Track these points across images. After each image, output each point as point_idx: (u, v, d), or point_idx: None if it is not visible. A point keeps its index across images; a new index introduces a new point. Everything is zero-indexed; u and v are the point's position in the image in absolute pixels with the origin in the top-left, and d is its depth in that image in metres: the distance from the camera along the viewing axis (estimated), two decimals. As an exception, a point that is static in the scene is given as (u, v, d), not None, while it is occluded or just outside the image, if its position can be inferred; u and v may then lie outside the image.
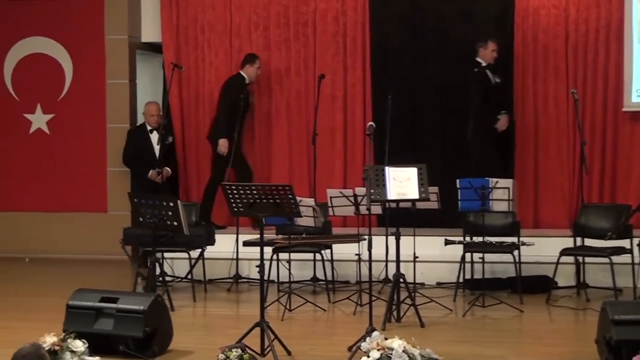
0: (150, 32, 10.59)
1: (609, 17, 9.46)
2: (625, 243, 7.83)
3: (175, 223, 7.35)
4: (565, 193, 9.50)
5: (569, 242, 8.22)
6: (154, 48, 10.80)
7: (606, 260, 7.78)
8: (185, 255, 8.50)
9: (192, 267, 8.51)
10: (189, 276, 8.54)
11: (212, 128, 9.82)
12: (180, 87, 10.29)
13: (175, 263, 9.13)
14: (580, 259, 8.25)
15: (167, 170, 9.66)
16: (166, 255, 8.83)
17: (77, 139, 10.63)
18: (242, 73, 9.74)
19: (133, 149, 9.87)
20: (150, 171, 9.62)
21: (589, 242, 8.13)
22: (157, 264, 7.70)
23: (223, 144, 9.52)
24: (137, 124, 10.28)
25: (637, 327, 5.39)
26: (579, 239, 8.21)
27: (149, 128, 9.73)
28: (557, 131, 9.53)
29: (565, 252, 8.01)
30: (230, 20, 10.23)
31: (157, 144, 9.43)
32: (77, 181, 10.60)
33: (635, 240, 7.61)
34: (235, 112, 9.47)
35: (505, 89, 9.42)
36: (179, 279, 8.93)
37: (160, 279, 7.99)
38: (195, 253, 8.56)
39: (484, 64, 9.20)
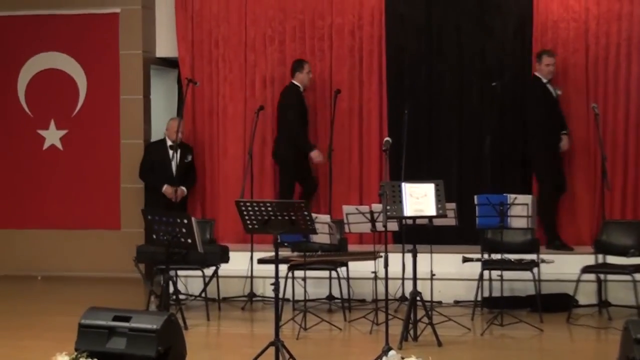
0: (165, 47, 10.67)
1: (630, 30, 9.46)
2: (648, 260, 7.81)
3: (190, 240, 7.38)
4: (586, 209, 9.46)
5: (590, 260, 8.20)
6: (169, 63, 10.88)
7: (629, 277, 7.76)
8: (199, 273, 8.51)
9: (206, 285, 8.53)
10: (203, 294, 8.56)
11: (277, 145, 9.79)
12: (193, 102, 10.33)
13: (189, 281, 9.14)
14: (601, 276, 8.22)
15: (182, 189, 9.70)
16: (180, 273, 8.85)
17: (91, 155, 10.69)
18: (295, 82, 9.76)
19: (150, 162, 9.92)
20: (165, 185, 9.65)
21: (611, 259, 8.12)
22: (170, 282, 7.73)
23: (317, 155, 9.55)
24: (157, 139, 10.30)
25: (660, 347, 5.35)
26: (600, 257, 8.19)
27: (169, 143, 9.77)
28: (577, 146, 9.49)
29: (586, 269, 7.98)
30: (245, 34, 10.28)
31: (174, 161, 9.51)
32: (90, 198, 10.65)
33: (659, 258, 7.57)
34: (302, 121, 9.58)
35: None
36: (193, 297, 8.94)
37: (174, 297, 8.01)
38: (209, 271, 8.57)
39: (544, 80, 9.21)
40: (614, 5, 9.48)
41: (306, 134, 9.70)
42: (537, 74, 9.22)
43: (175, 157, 9.53)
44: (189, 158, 9.92)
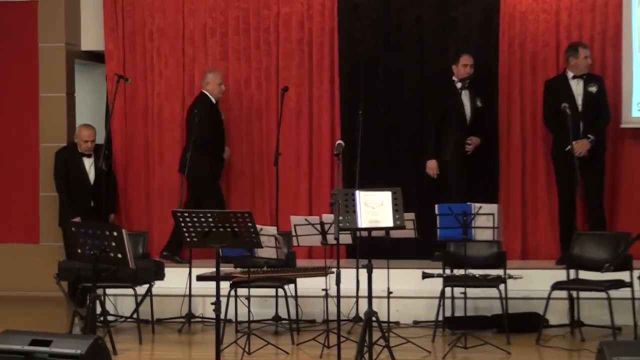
0: (91, 39, 10.58)
1: (605, 23, 9.62)
2: (624, 276, 7.90)
3: (120, 255, 7.32)
4: (556, 220, 9.59)
5: (561, 275, 8.29)
6: (96, 57, 10.79)
7: (603, 295, 7.84)
8: (130, 291, 8.46)
9: (138, 305, 8.48)
10: (135, 315, 8.50)
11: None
12: (125, 101, 10.28)
13: (119, 300, 9.10)
14: (574, 293, 8.31)
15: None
16: (108, 291, 8.79)
17: (5, 160, 10.51)
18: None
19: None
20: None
21: (584, 274, 8.20)
22: (97, 302, 7.67)
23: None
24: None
25: (637, 370, 5.45)
26: (572, 272, 8.28)
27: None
28: (547, 150, 9.62)
29: (557, 286, 8.07)
30: (183, 25, 10.26)
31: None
32: (3, 208, 10.48)
33: (636, 273, 7.69)
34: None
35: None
36: (123, 319, 8.89)
37: (101, 318, 7.96)
38: (142, 289, 8.53)
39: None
40: (588, -5, 9.67)
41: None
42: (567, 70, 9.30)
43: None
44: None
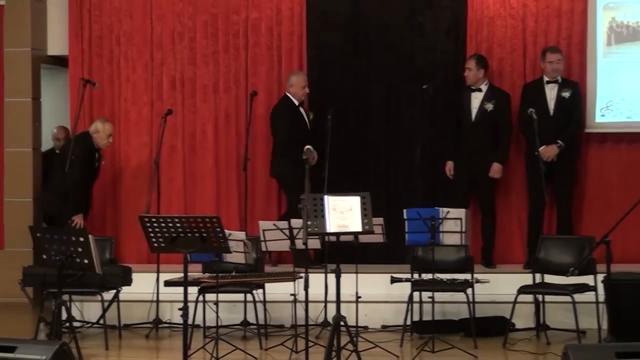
0: (58, 44, 10.52)
1: (571, 28, 9.72)
2: (588, 279, 7.99)
3: (86, 261, 7.28)
4: (523, 224, 9.66)
5: (527, 279, 8.35)
6: (62, 62, 10.71)
7: (568, 298, 7.92)
8: (97, 297, 8.43)
9: (104, 310, 8.44)
10: (101, 321, 8.47)
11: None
12: (92, 106, 10.23)
13: (86, 306, 9.05)
14: (540, 297, 8.38)
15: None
16: (75, 297, 8.74)
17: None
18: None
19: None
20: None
21: (550, 278, 8.27)
22: (63, 308, 7.62)
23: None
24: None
25: (601, 373, 5.50)
26: (538, 276, 8.34)
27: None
28: (513, 155, 9.70)
29: (523, 290, 8.14)
30: (151, 30, 10.25)
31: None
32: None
33: (600, 277, 7.74)
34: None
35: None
36: (90, 325, 8.85)
37: (67, 324, 7.90)
38: (109, 295, 8.50)
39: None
40: (554, 2, 9.74)
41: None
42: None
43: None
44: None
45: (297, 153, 9.20)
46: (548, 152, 9.16)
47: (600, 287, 7.76)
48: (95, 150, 9.58)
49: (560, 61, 9.31)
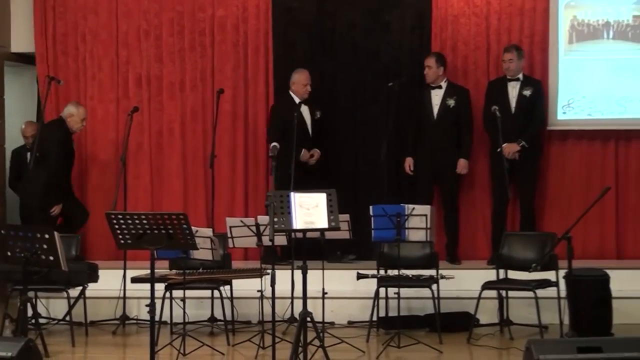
0: (22, 41, 10.47)
1: (533, 27, 9.81)
2: (550, 275, 8.06)
3: (52, 258, 7.27)
4: (487, 221, 9.76)
5: (491, 275, 8.42)
6: (27, 59, 10.67)
7: (531, 294, 7.98)
8: (63, 294, 8.40)
9: (71, 307, 8.42)
10: (68, 318, 8.45)
11: None
12: (57, 104, 10.18)
13: (51, 303, 9.01)
14: (503, 293, 8.44)
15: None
16: (40, 294, 8.71)
17: None
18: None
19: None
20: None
21: (513, 274, 8.34)
22: (28, 304, 7.60)
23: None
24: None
25: (563, 367, 5.57)
26: (502, 271, 8.40)
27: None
28: (477, 152, 9.79)
29: (487, 285, 8.20)
30: (117, 27, 10.22)
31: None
32: None
33: (561, 273, 7.81)
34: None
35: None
36: (56, 321, 8.81)
37: (33, 321, 7.87)
38: (75, 291, 8.48)
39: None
40: (517, 0, 9.82)
41: None
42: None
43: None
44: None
45: (289, 152, 9.11)
46: (510, 149, 9.25)
47: (562, 283, 7.81)
48: (70, 134, 9.53)
49: (512, 60, 9.37)
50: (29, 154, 9.63)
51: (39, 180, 9.32)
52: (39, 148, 9.11)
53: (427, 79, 9.52)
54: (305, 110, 9.58)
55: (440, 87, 9.51)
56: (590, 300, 7.86)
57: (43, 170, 9.25)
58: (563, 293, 7.83)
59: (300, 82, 9.57)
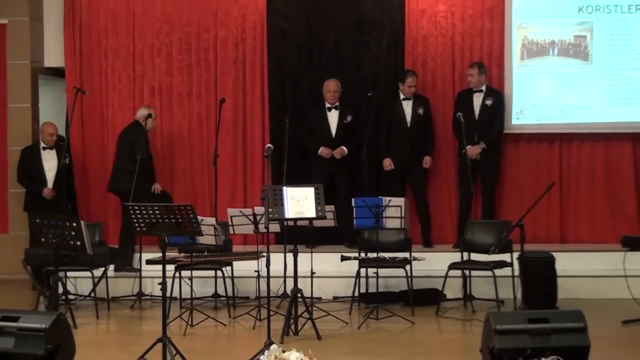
0: (53, 57, 10.37)
1: (491, 45, 9.78)
2: (506, 257, 8.03)
3: (79, 243, 7.22)
4: (454, 211, 9.72)
5: (456, 257, 8.39)
6: (57, 73, 10.60)
7: (489, 273, 7.98)
8: (88, 274, 8.33)
9: (95, 285, 8.36)
10: (92, 294, 8.38)
11: None
12: (82, 110, 10.10)
13: (79, 282, 8.92)
14: (466, 272, 8.42)
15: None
16: (69, 274, 8.62)
17: (-22, 162, 10.26)
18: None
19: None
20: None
21: (475, 256, 8.32)
22: (59, 283, 7.53)
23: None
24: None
25: (517, 336, 5.52)
26: (465, 254, 8.39)
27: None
28: (446, 152, 9.75)
29: (453, 266, 8.19)
30: (133, 46, 10.14)
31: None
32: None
33: (515, 254, 7.80)
34: None
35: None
36: (82, 297, 8.75)
37: (63, 297, 7.83)
38: (98, 272, 8.41)
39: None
40: (477, 22, 9.79)
41: None
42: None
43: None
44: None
45: (313, 147, 9.40)
46: (473, 150, 9.22)
47: (516, 264, 7.81)
48: (147, 132, 9.36)
49: (472, 75, 9.34)
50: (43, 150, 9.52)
51: (133, 173, 9.18)
52: (129, 146, 9.21)
53: (404, 93, 9.43)
54: (334, 114, 9.50)
55: (410, 98, 9.46)
56: (539, 279, 7.83)
57: (133, 163, 9.14)
58: (517, 272, 7.82)
59: (326, 90, 9.49)
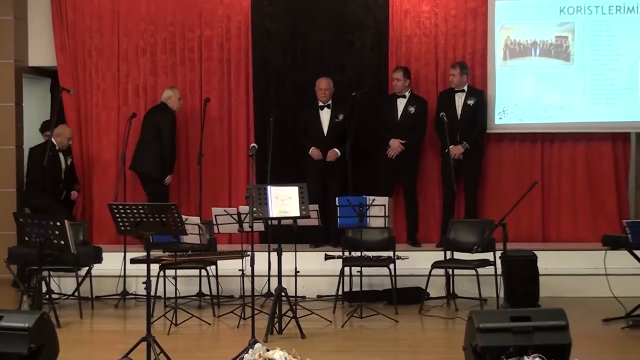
0: (38, 56, 10.29)
1: (474, 45, 9.77)
2: (489, 256, 8.04)
3: (62, 242, 7.17)
4: (437, 210, 9.71)
5: (440, 256, 8.38)
6: (42, 72, 10.52)
7: (473, 272, 7.98)
8: (72, 273, 8.27)
9: (79, 284, 8.30)
10: (76, 293, 8.32)
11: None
12: (68, 110, 10.02)
13: (62, 281, 8.88)
14: (450, 271, 8.42)
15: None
16: (53, 273, 8.57)
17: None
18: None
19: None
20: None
21: (458, 255, 8.31)
22: (43, 282, 7.48)
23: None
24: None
25: (500, 334, 5.53)
26: (449, 253, 8.38)
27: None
28: (430, 152, 9.72)
29: (436, 265, 8.18)
30: (118, 45, 10.08)
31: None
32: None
33: (498, 253, 7.81)
34: None
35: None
36: (66, 297, 8.69)
37: (47, 296, 7.77)
38: (82, 271, 8.35)
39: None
40: (460, 23, 9.78)
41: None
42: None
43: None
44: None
45: (307, 146, 9.39)
46: (455, 150, 9.22)
47: (498, 262, 7.83)
48: (174, 114, 9.58)
49: (454, 75, 9.35)
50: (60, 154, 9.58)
51: (156, 156, 9.32)
52: (154, 128, 9.37)
53: (395, 89, 9.45)
54: (325, 112, 9.47)
55: (404, 96, 9.44)
56: (521, 277, 7.85)
57: (159, 147, 9.31)
58: (499, 271, 7.83)
59: (317, 88, 9.46)
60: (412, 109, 9.42)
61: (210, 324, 7.66)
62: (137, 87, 10.06)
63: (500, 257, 7.68)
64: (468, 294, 8.35)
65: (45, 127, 9.80)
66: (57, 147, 9.52)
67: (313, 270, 8.63)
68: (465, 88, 9.40)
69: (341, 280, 8.27)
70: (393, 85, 9.51)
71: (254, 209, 6.74)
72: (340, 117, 9.46)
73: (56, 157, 9.52)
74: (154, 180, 9.53)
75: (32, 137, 10.15)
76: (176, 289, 7.78)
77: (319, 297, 8.74)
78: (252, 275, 6.53)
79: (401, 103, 9.45)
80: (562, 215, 9.79)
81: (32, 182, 9.62)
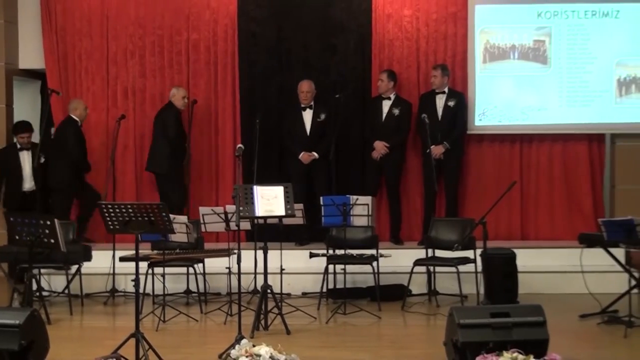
0: (28, 59, 10.24)
1: (455, 49, 9.80)
2: (469, 254, 8.07)
3: (52, 241, 7.14)
4: (419, 209, 9.73)
5: (421, 254, 8.40)
6: (32, 74, 10.48)
7: (453, 269, 8.00)
8: (62, 271, 8.25)
9: (69, 282, 8.28)
10: (66, 291, 8.29)
11: None
12: (57, 112, 9.97)
13: (53, 279, 8.86)
14: (431, 268, 8.44)
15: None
16: (43, 271, 8.54)
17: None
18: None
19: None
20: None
21: (439, 253, 8.33)
22: (33, 280, 7.44)
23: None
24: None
25: (480, 330, 5.57)
26: (430, 250, 8.40)
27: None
28: (413, 153, 9.74)
29: (418, 262, 8.19)
30: (107, 48, 10.04)
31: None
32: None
33: (478, 251, 7.83)
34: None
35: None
36: (56, 294, 8.65)
37: (37, 294, 7.73)
38: (72, 269, 8.32)
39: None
40: (441, 27, 9.81)
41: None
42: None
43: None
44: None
45: (292, 148, 9.41)
46: (436, 150, 9.24)
47: (479, 260, 7.84)
48: (179, 112, 9.59)
49: (436, 77, 9.37)
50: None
51: (164, 151, 9.34)
52: (161, 127, 9.44)
53: (379, 90, 9.47)
54: (308, 113, 9.47)
55: (389, 98, 9.46)
56: (500, 274, 7.91)
57: (166, 142, 9.38)
58: (479, 268, 7.85)
59: (299, 90, 9.47)
60: (396, 111, 9.44)
61: (197, 321, 7.65)
62: (126, 89, 10.04)
63: (480, 255, 7.70)
64: (449, 291, 8.37)
65: (18, 129, 9.68)
66: (79, 123, 9.53)
67: (298, 267, 8.64)
68: (446, 90, 9.43)
69: (325, 277, 8.27)
70: (377, 85, 9.53)
71: (241, 208, 6.73)
72: (322, 116, 9.47)
73: (15, 156, 9.48)
74: (164, 177, 9.49)
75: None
76: (164, 286, 7.76)
77: (304, 294, 8.74)
78: (239, 273, 6.53)
79: (386, 105, 9.48)
80: (539, 214, 9.84)
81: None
